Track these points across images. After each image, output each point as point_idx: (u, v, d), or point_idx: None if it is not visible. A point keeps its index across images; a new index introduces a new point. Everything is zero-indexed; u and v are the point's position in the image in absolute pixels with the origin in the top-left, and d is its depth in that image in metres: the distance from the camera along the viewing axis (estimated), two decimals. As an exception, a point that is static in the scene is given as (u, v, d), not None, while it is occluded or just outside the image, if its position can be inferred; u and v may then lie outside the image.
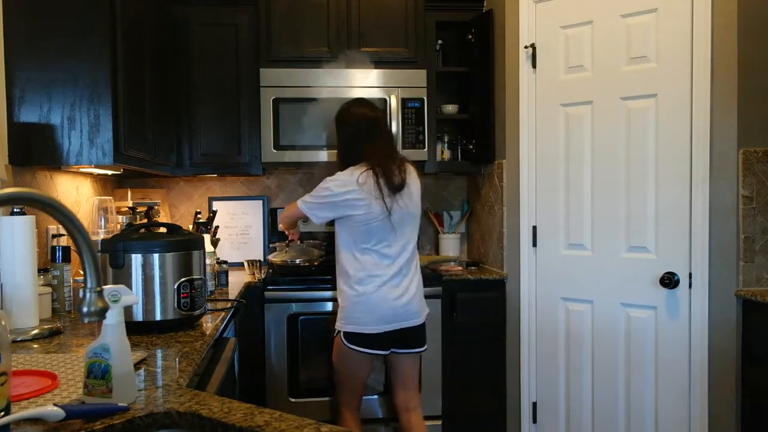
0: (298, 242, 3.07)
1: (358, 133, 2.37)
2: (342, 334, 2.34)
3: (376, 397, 2.86)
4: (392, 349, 2.38)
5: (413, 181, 2.37)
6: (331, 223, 2.43)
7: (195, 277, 1.77)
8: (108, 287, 1.07)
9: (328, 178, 2.32)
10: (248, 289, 2.75)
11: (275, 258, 2.96)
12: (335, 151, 3.08)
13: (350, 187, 2.25)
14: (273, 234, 3.45)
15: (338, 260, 2.39)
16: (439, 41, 3.30)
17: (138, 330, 1.69)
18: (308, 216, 2.35)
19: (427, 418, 2.87)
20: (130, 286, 1.67)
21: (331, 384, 2.84)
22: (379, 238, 2.29)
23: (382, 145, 2.34)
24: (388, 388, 2.81)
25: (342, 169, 2.35)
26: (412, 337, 2.38)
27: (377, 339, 2.31)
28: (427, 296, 2.87)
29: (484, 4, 3.20)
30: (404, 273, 2.33)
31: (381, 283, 2.29)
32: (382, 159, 2.29)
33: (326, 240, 3.38)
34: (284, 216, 2.52)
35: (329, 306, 2.84)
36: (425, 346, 2.45)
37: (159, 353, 1.48)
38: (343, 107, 2.47)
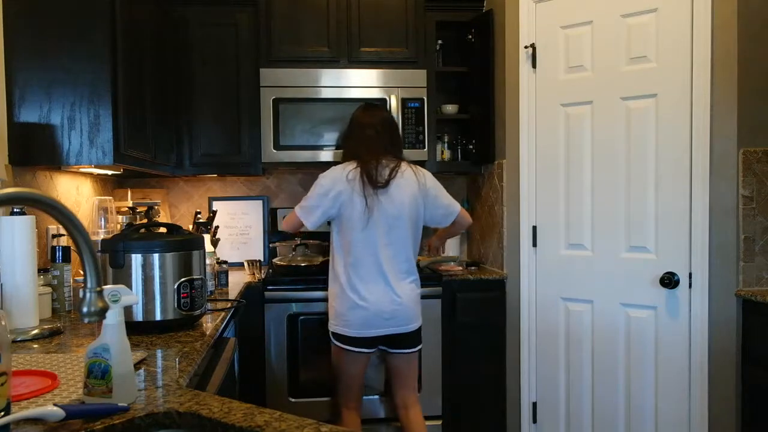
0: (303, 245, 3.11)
1: (352, 133, 2.44)
2: (330, 332, 2.40)
3: (377, 397, 2.85)
4: (380, 347, 2.40)
5: (403, 183, 2.34)
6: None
7: (195, 277, 1.77)
8: (108, 287, 1.07)
9: (321, 174, 2.37)
10: (248, 289, 2.75)
11: (280, 261, 2.99)
12: (335, 151, 3.10)
13: (339, 181, 2.30)
14: (273, 234, 3.45)
15: (330, 260, 2.45)
16: (439, 41, 3.30)
17: (138, 330, 1.69)
18: (303, 222, 2.37)
19: (427, 418, 2.86)
20: (130, 286, 1.67)
21: (331, 384, 2.84)
22: (366, 240, 2.30)
23: (374, 145, 2.36)
24: (389, 388, 2.81)
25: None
26: (401, 339, 2.39)
27: (363, 339, 2.34)
28: (426, 296, 2.88)
29: (484, 4, 3.20)
30: (391, 278, 2.32)
31: (364, 287, 2.30)
32: (369, 158, 2.32)
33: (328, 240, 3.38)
34: (285, 226, 2.52)
35: (329, 306, 2.84)
36: (419, 347, 2.45)
37: (159, 353, 1.48)
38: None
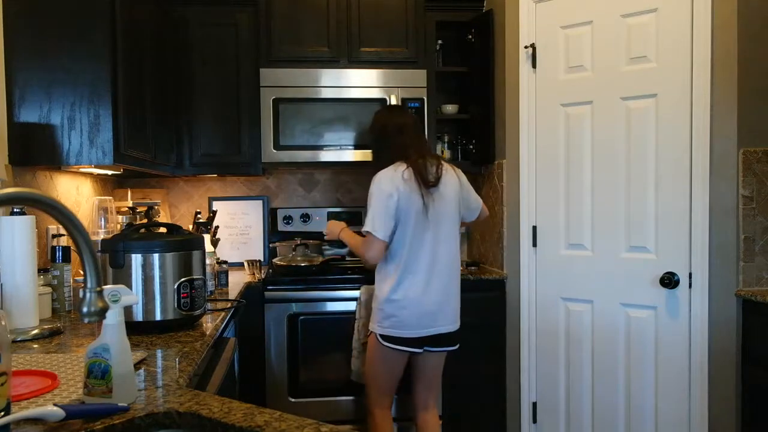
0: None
1: (387, 134, 2.38)
2: (377, 334, 2.33)
3: None
4: (425, 348, 2.36)
5: (449, 180, 2.34)
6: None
7: (195, 277, 1.77)
8: (108, 287, 1.07)
9: (374, 182, 2.27)
10: (248, 289, 2.75)
11: (280, 261, 2.97)
12: (335, 150, 3.09)
13: (397, 181, 2.24)
14: (273, 234, 3.45)
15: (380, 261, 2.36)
16: (439, 41, 3.30)
17: (138, 330, 1.69)
18: (381, 239, 2.22)
19: (427, 418, 2.87)
20: (130, 286, 1.67)
21: (332, 385, 2.84)
22: (421, 239, 2.27)
23: (417, 144, 2.35)
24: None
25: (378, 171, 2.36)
26: (446, 337, 2.36)
27: (415, 339, 2.30)
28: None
29: (484, 4, 3.20)
30: (441, 275, 2.31)
31: (418, 286, 2.27)
32: (417, 157, 2.30)
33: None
34: (371, 256, 2.27)
35: (329, 306, 2.84)
36: (457, 345, 2.43)
37: (159, 353, 1.48)
38: (375, 114, 2.51)
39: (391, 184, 2.24)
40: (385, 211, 2.23)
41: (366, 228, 2.26)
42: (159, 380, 1.24)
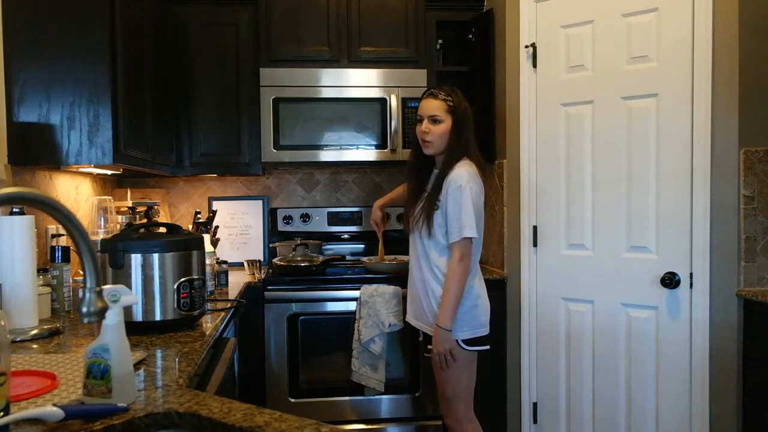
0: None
1: (469, 126, 2.33)
2: (461, 340, 2.21)
3: (377, 397, 2.84)
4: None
5: None
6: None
7: (195, 277, 1.77)
8: (107, 287, 1.07)
9: (460, 183, 2.14)
10: (248, 289, 2.75)
11: (280, 261, 2.96)
12: (335, 150, 3.08)
13: (479, 181, 2.23)
14: (273, 234, 3.45)
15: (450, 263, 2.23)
16: (440, 41, 3.30)
17: (138, 330, 1.69)
18: (477, 236, 2.21)
19: (428, 418, 2.87)
20: (129, 286, 1.66)
21: (332, 385, 2.83)
22: (482, 235, 2.30)
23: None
24: (390, 389, 2.80)
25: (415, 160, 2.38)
26: None
27: (489, 335, 2.32)
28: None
29: (485, 4, 3.20)
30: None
31: (482, 281, 2.33)
32: (473, 151, 2.31)
33: (324, 239, 3.39)
34: (468, 263, 2.20)
35: (329, 306, 2.84)
36: None
37: (159, 353, 1.48)
38: (461, 98, 2.33)
39: (477, 183, 2.21)
40: (479, 212, 2.22)
41: (470, 234, 2.15)
42: (158, 380, 1.24)
